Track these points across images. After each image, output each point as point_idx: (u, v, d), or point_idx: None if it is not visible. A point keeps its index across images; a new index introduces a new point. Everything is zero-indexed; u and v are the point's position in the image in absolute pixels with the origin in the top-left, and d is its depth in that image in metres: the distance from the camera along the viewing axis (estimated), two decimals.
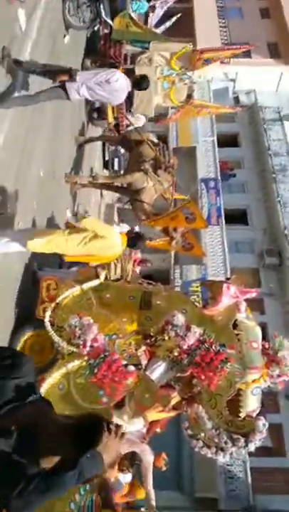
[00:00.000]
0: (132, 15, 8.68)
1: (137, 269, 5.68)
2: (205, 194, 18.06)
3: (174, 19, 10.56)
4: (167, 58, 8.57)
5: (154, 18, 9.71)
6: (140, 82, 5.82)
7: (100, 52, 8.67)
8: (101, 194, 11.65)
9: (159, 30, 9.59)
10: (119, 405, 4.35)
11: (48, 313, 4.49)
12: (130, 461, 4.48)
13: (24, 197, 5.30)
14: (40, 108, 5.92)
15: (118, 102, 6.06)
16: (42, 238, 4.50)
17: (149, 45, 8.54)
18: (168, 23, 10.26)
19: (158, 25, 10.48)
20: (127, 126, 9.14)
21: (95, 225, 4.68)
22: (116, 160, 11.66)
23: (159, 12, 9.81)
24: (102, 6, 7.54)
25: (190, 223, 6.74)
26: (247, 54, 20.08)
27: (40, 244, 4.51)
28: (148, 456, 4.69)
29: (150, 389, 4.36)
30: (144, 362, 4.59)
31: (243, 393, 4.51)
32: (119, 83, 5.20)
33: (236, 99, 22.58)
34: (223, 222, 17.54)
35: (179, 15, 11.40)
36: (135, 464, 4.55)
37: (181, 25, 21.27)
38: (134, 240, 4.80)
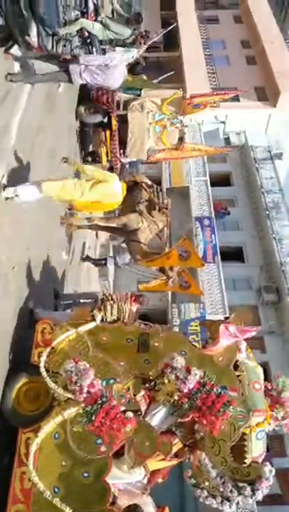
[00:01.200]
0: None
1: (134, 308, 5.66)
2: (200, 232, 18.22)
3: (166, 75, 11.02)
4: (158, 104, 8.88)
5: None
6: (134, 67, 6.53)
7: (93, 99, 8.97)
8: (96, 235, 11.72)
9: (154, 81, 9.99)
10: (118, 454, 4.16)
11: (43, 359, 4.38)
12: None
13: (20, 238, 5.31)
14: (38, 149, 6.06)
15: (115, 86, 7.05)
16: (56, 182, 4.97)
17: (141, 92, 8.88)
18: (162, 76, 10.69)
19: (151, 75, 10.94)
20: (121, 168, 9.33)
21: (94, 171, 5.18)
22: None
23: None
24: (94, 49, 7.83)
25: (184, 261, 6.72)
26: (236, 98, 20.88)
27: (55, 188, 4.91)
28: (150, 510, 4.42)
29: (150, 436, 4.19)
30: (143, 407, 4.43)
31: (248, 438, 4.34)
32: (117, 67, 6.15)
33: (227, 140, 23.30)
34: (219, 259, 17.59)
35: (172, 72, 11.91)
36: None
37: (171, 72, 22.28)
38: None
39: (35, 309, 5.40)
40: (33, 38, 4.61)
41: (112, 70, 6.19)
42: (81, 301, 7.26)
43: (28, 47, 4.88)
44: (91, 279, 11.09)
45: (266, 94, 23.81)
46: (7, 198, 4.71)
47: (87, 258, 10.12)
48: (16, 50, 4.90)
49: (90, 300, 6.67)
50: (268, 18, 26.53)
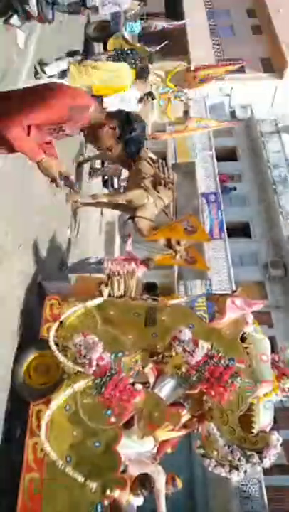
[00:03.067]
0: (126, 35, 8.84)
1: (140, 272, 5.78)
2: (206, 208, 18.09)
3: (163, 44, 10.69)
4: (162, 77, 8.69)
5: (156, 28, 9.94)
6: None
7: None
8: (101, 212, 11.66)
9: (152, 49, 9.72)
10: (128, 425, 4.24)
11: (52, 333, 4.43)
12: (143, 483, 4.32)
13: (24, 216, 5.30)
14: None
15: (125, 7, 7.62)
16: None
17: None
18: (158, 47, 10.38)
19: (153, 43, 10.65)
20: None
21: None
22: (115, 178, 11.70)
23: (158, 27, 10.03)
24: None
25: (189, 235, 6.69)
26: (241, 69, 20.37)
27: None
28: (160, 478, 4.54)
29: (159, 407, 4.26)
30: (151, 379, 4.49)
31: (255, 408, 4.40)
32: None
33: (232, 114, 22.85)
34: (226, 235, 17.51)
35: (166, 41, 11.49)
36: (148, 486, 4.40)
37: (175, 45, 21.70)
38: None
39: (42, 282, 5.44)
40: (33, 7, 4.48)
41: None
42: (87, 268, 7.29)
43: (28, 16, 4.75)
44: (97, 253, 11.08)
45: (272, 65, 23.18)
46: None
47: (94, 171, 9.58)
48: (15, 20, 4.76)
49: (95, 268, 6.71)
50: None
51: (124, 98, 6.65)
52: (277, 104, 23.04)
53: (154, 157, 8.33)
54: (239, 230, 19.45)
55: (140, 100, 7.24)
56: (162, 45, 10.59)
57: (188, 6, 24.14)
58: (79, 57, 6.32)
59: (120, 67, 6.46)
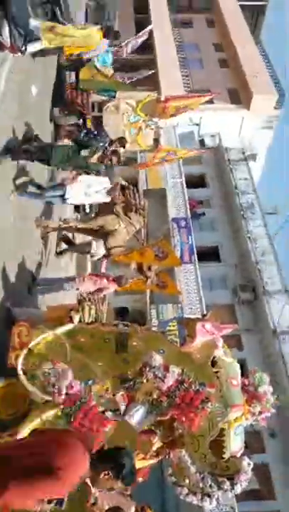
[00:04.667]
0: (98, 65, 9.07)
1: (112, 288, 5.91)
2: (177, 233, 18.37)
3: (145, 74, 11.06)
4: (133, 106, 8.92)
5: (127, 49, 10.16)
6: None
7: (67, 101, 8.94)
8: (72, 237, 11.64)
9: (126, 81, 10.03)
10: None
11: (20, 361, 4.33)
12: None
13: None
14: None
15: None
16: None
17: (116, 93, 8.89)
18: (134, 78, 10.71)
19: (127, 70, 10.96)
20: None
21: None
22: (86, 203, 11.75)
23: (129, 48, 10.29)
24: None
25: (160, 261, 6.80)
26: (210, 100, 21.19)
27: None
28: (127, 504, 4.42)
29: (130, 435, 4.21)
30: (122, 407, 4.43)
31: (226, 433, 4.41)
32: None
33: (202, 142, 23.56)
34: (196, 259, 17.76)
35: (150, 72, 11.94)
36: None
37: (146, 76, 22.39)
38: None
39: (12, 308, 5.34)
40: (6, 38, 4.57)
41: None
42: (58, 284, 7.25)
43: (0, 47, 4.84)
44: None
45: (239, 96, 24.22)
46: None
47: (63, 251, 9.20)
48: None
49: (67, 284, 6.71)
50: (240, 23, 27.03)
51: (89, 192, 6.49)
52: (245, 133, 23.99)
53: (126, 184, 8.47)
54: (209, 254, 19.78)
55: (110, 192, 6.79)
56: (147, 74, 10.97)
57: (158, 39, 25.09)
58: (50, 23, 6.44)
59: (89, 32, 6.90)
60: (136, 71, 11.87)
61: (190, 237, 18.31)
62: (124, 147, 7.62)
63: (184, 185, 20.11)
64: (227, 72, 25.69)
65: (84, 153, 6.40)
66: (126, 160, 10.61)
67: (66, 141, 6.80)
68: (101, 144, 6.65)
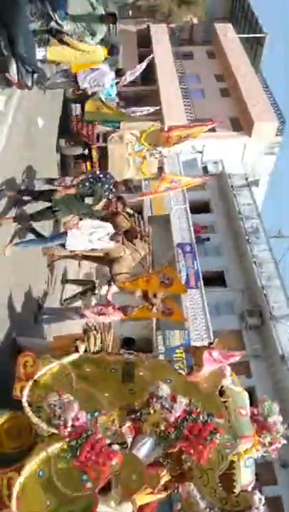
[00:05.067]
0: (103, 98, 9.33)
1: (117, 317, 5.93)
2: (182, 258, 18.38)
3: (152, 110, 11.23)
4: (137, 136, 9.12)
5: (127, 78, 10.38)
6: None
7: (73, 132, 9.17)
8: (79, 265, 11.69)
9: (133, 114, 10.25)
10: (105, 490, 4.04)
11: (26, 393, 4.28)
12: None
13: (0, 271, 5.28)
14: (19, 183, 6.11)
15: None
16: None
17: (120, 124, 9.12)
18: (140, 112, 10.85)
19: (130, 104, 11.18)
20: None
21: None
22: None
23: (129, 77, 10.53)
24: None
25: (166, 288, 6.77)
26: (212, 128, 21.62)
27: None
28: None
29: (137, 469, 4.10)
30: (129, 439, 4.34)
31: (236, 466, 4.30)
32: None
33: (205, 169, 23.89)
34: (202, 284, 17.70)
35: (156, 108, 12.12)
36: None
37: (149, 106, 22.94)
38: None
39: (17, 338, 5.33)
40: (13, 75, 4.73)
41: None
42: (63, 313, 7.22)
43: (8, 83, 5.00)
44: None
45: (241, 124, 24.69)
46: None
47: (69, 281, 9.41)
48: None
49: (72, 313, 6.68)
50: (240, 54, 27.82)
51: (91, 239, 6.25)
52: (247, 159, 24.32)
53: (130, 211, 8.57)
54: (215, 280, 19.71)
55: (114, 237, 6.47)
56: (153, 110, 11.19)
57: (161, 71, 25.84)
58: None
59: (94, 49, 7.01)
60: (140, 102, 12.17)
61: (195, 262, 18.30)
62: (129, 189, 7.39)
63: (188, 211, 20.26)
64: (228, 101, 26.27)
65: (88, 201, 6.10)
66: (131, 188, 10.78)
67: (71, 191, 6.31)
68: (106, 187, 6.29)
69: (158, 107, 12.25)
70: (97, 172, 6.85)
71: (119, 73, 9.28)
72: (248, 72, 26.49)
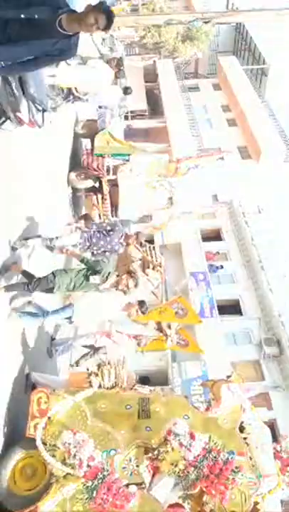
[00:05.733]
0: (112, 132, 9.55)
1: (131, 344, 5.67)
2: (195, 287, 18.21)
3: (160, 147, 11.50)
4: (147, 168, 9.25)
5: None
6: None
7: (83, 165, 9.34)
8: None
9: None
10: None
11: (39, 431, 4.17)
12: None
13: None
14: (36, 217, 6.17)
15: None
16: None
17: (129, 157, 9.27)
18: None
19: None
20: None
21: None
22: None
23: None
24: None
25: (181, 318, 6.67)
26: (220, 158, 21.88)
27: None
28: None
29: (156, 511, 3.90)
30: (147, 479, 4.16)
31: (260, 507, 4.06)
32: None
33: (215, 197, 24.03)
34: (217, 313, 17.43)
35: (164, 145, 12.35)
36: None
37: (158, 138, 23.43)
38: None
39: (30, 373, 5.23)
40: (24, 114, 4.87)
41: None
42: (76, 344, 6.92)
43: (19, 122, 5.14)
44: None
45: (249, 152, 24.98)
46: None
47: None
48: (8, 125, 5.16)
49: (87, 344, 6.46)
50: (245, 84, 28.50)
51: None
52: (256, 186, 24.44)
53: (142, 241, 8.58)
54: (230, 308, 19.40)
55: (125, 308, 5.82)
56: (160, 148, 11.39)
57: (167, 103, 26.52)
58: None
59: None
60: (149, 136, 12.45)
61: (209, 290, 18.11)
62: (141, 244, 6.93)
63: (200, 239, 20.25)
64: (235, 130, 26.72)
65: (94, 279, 5.09)
66: (142, 217, 10.85)
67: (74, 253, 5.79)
68: (116, 241, 5.85)
69: (166, 145, 12.50)
70: (104, 224, 6.40)
71: (127, 92, 9.51)
72: (253, 102, 27.04)
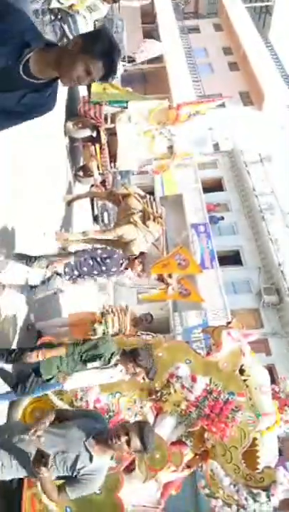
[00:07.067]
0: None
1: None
2: (196, 239, 18.26)
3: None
4: (145, 115, 8.94)
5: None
6: None
7: (80, 114, 9.04)
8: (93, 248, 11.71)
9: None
10: (129, 469, 4.10)
11: None
12: None
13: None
14: (25, 167, 6.06)
15: None
16: None
17: (127, 104, 8.95)
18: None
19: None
20: (113, 180, 9.37)
21: None
22: (105, 214, 11.84)
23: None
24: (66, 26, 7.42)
25: (183, 269, 6.73)
26: (222, 104, 21.14)
27: None
28: None
29: (160, 448, 4.14)
30: (151, 419, 4.38)
31: (259, 443, 4.30)
32: None
33: (216, 146, 23.48)
34: (218, 264, 17.59)
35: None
36: None
37: (157, 83, 22.53)
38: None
39: (35, 323, 5.34)
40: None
41: None
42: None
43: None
44: (90, 293, 11.03)
45: (251, 98, 24.10)
46: None
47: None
48: None
49: None
50: (247, 24, 26.98)
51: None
52: (259, 134, 23.80)
53: (142, 193, 8.47)
54: (230, 259, 19.56)
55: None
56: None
57: (167, 47, 25.26)
58: None
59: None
60: (147, 81, 11.95)
61: (210, 242, 18.17)
62: (143, 270, 5.41)
63: (201, 191, 20.03)
64: (237, 74, 25.63)
65: (92, 364, 3.68)
66: (142, 167, 10.65)
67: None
68: (114, 269, 4.86)
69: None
70: (99, 251, 5.09)
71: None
72: (256, 44, 25.73)
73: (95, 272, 4.73)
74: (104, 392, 4.08)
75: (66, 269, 4.78)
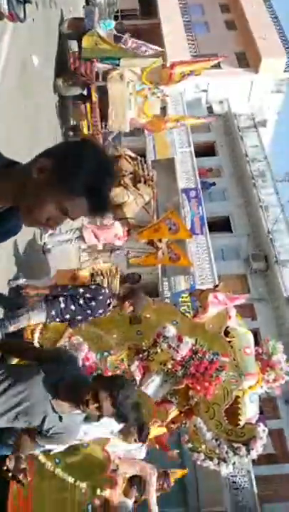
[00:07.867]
0: (101, 33, 8.78)
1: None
2: (187, 204, 18.16)
3: (155, 49, 10.41)
4: (138, 74, 8.66)
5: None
6: None
7: (70, 71, 8.72)
8: None
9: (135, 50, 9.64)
10: None
11: (37, 335, 4.39)
12: (134, 484, 4.31)
13: None
14: (16, 128, 5.89)
15: None
16: None
17: (120, 61, 8.63)
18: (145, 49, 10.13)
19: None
20: (104, 141, 9.17)
21: None
22: None
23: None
24: None
25: (174, 234, 6.74)
26: (217, 65, 20.50)
27: None
28: (148, 470, 4.54)
29: (147, 405, 4.28)
30: (138, 377, 4.50)
31: (241, 401, 4.46)
32: None
33: (210, 109, 22.96)
34: (207, 230, 17.63)
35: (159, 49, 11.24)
36: (140, 487, 4.39)
37: (150, 41, 21.66)
38: None
39: (20, 277, 5.28)
40: (4, 5, 4.41)
41: None
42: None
43: None
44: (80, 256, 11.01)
45: (247, 59, 23.37)
46: None
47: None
48: None
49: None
50: None
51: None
52: (254, 98, 23.27)
53: (133, 155, 8.34)
54: (220, 225, 19.60)
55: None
56: (156, 51, 10.37)
57: (162, 3, 24.14)
58: None
59: None
60: (140, 37, 11.46)
61: (200, 207, 18.10)
62: (134, 311, 4.27)
63: (193, 155, 19.74)
64: (234, 34, 24.71)
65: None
66: (133, 130, 10.41)
67: None
68: (101, 310, 4.07)
69: (161, 49, 11.42)
70: (81, 290, 4.15)
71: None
72: (255, 2, 24.67)
73: (79, 318, 4.08)
74: (93, 351, 4.17)
75: (47, 319, 4.08)
